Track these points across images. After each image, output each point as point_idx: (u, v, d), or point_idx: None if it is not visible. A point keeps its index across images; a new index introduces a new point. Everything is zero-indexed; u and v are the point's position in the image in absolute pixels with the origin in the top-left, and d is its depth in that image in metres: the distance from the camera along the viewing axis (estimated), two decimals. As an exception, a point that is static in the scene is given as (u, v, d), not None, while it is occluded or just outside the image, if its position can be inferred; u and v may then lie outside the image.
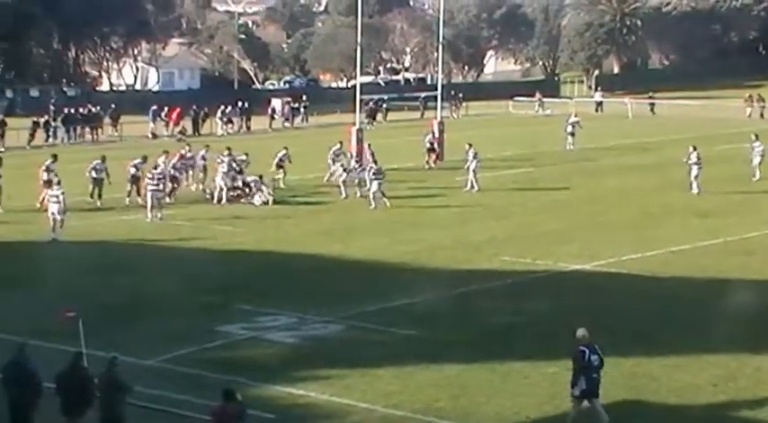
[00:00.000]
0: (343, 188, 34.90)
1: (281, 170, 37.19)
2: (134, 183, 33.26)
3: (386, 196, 33.36)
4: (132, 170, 33.41)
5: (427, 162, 42.58)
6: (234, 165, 34.81)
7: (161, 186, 31.36)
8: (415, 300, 21.94)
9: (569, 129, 49.40)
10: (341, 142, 39.58)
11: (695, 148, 36.09)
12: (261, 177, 34.14)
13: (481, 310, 21.43)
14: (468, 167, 36.77)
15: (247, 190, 33.88)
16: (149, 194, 30.90)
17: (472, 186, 36.44)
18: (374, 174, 33.56)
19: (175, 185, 34.29)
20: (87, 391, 14.03)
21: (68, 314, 15.21)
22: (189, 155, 36.06)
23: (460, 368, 17.59)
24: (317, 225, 30.54)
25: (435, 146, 43.26)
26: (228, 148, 35.85)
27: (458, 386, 16.80)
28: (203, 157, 36.41)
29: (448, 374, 17.32)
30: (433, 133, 44.00)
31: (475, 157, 36.78)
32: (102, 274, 24.18)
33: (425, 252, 26.71)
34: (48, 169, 32.63)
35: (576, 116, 51.03)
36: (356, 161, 37.80)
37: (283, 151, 37.51)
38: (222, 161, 34.44)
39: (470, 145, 37.25)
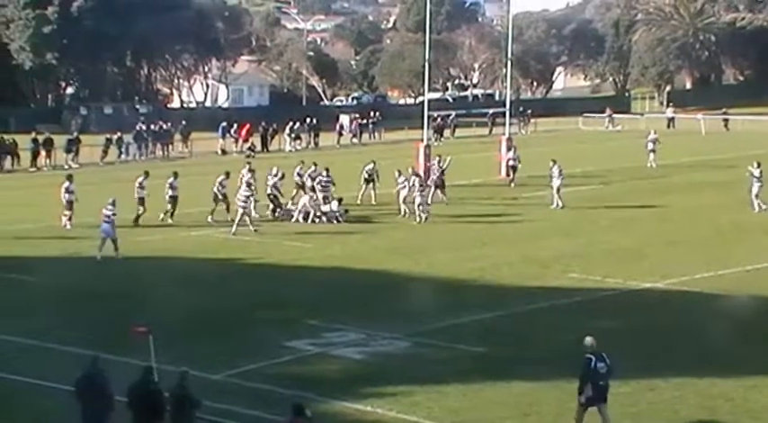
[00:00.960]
0: (402, 205, 34.53)
1: (371, 185, 36.74)
2: (222, 199, 33.16)
3: (427, 212, 33.23)
4: (217, 187, 33.22)
5: (511, 180, 41.67)
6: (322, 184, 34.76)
7: (249, 203, 31.48)
8: (482, 316, 21.77)
9: (650, 146, 48.39)
10: (439, 155, 39.46)
11: (759, 164, 35.22)
12: (340, 201, 33.72)
13: (549, 327, 21.17)
14: (552, 184, 36.11)
15: (324, 218, 33.50)
16: (239, 211, 31.06)
17: (557, 204, 35.81)
18: (418, 187, 33.51)
19: (276, 204, 34.01)
20: (158, 406, 14.11)
21: (140, 329, 15.37)
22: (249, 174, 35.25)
23: (528, 386, 17.39)
24: (385, 241, 30.51)
25: (516, 163, 41.96)
26: (315, 164, 35.52)
27: (526, 404, 16.60)
28: (298, 174, 36.12)
29: (516, 392, 17.13)
30: (514, 149, 42.78)
31: (560, 174, 36.03)
32: (170, 288, 24.42)
33: (493, 268, 26.52)
34: (141, 186, 32.58)
35: (655, 133, 49.98)
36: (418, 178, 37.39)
37: (371, 164, 37.16)
38: (316, 180, 34.32)
39: (554, 161, 36.61)
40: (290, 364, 18.68)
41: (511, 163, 42.07)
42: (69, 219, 32.11)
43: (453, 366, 18.46)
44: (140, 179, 32.83)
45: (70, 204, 32.18)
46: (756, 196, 34.81)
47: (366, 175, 37.01)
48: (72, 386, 14.71)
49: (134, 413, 14.16)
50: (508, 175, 42.61)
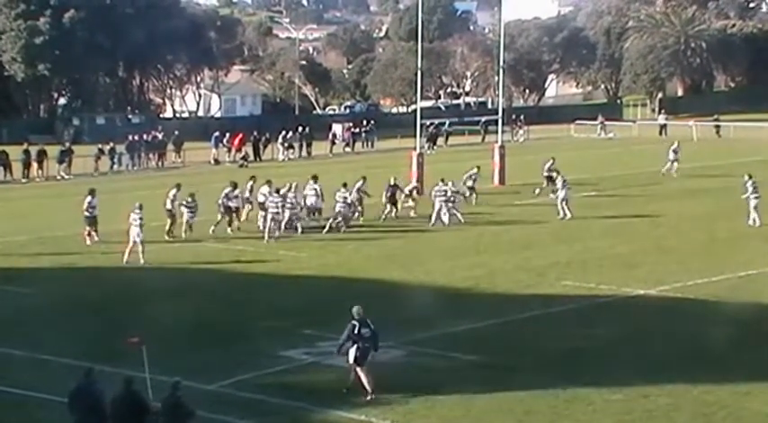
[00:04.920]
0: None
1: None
2: (227, 213, 32.74)
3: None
4: (224, 200, 32.74)
5: (541, 189, 40.44)
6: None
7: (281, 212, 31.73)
8: (477, 325, 21.77)
9: (672, 156, 47.47)
10: (478, 167, 39.24)
11: (750, 176, 34.44)
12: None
13: (544, 335, 21.17)
14: (557, 196, 35.74)
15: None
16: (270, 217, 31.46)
17: (565, 214, 35.36)
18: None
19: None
20: (141, 416, 14.05)
21: (132, 340, 15.36)
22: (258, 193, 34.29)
23: (523, 394, 17.38)
24: (379, 250, 30.50)
25: (553, 173, 39.81)
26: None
27: (521, 412, 16.59)
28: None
29: (511, 400, 17.12)
30: (553, 160, 41.18)
31: (564, 185, 35.68)
32: (165, 299, 24.37)
33: (487, 277, 26.52)
34: (174, 199, 31.88)
35: (678, 145, 49.17)
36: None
37: (360, 180, 35.91)
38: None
39: (558, 172, 36.37)
40: (284, 374, 18.64)
41: (546, 173, 40.39)
42: (89, 234, 30.92)
43: (448, 375, 18.45)
44: (173, 192, 32.16)
45: (88, 219, 30.90)
46: (755, 208, 33.68)
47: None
48: (65, 398, 14.67)
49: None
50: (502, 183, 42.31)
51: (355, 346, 17.02)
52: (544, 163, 40.43)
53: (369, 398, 16.95)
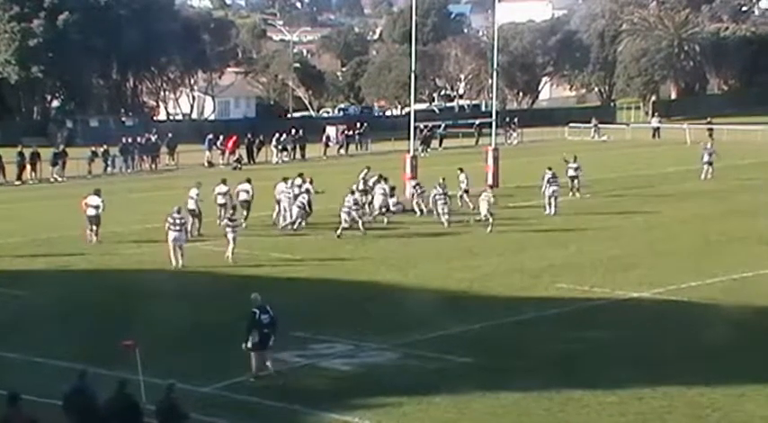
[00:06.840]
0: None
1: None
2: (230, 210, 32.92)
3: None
4: (221, 199, 32.91)
5: (576, 189, 40.88)
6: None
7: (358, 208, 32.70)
8: (471, 327, 21.78)
9: (706, 158, 47.39)
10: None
11: None
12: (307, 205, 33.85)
13: (538, 338, 21.20)
14: (543, 191, 36.77)
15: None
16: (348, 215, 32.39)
17: (548, 210, 36.39)
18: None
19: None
20: (135, 418, 14.02)
21: (126, 343, 15.33)
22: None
23: (518, 396, 17.39)
24: (374, 252, 30.49)
25: (578, 173, 40.66)
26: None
27: (515, 414, 16.60)
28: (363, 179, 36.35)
29: (505, 403, 17.13)
30: (575, 157, 41.45)
31: (551, 181, 36.58)
32: (158, 301, 24.33)
33: (482, 279, 26.54)
34: (197, 197, 31.87)
35: (711, 146, 49.10)
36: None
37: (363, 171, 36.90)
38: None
39: (550, 168, 37.07)
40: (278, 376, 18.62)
41: (571, 173, 40.73)
42: (96, 233, 31.12)
43: (442, 377, 18.46)
44: (195, 191, 32.09)
45: (91, 218, 31.06)
46: None
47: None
48: (60, 400, 14.64)
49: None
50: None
51: (256, 332, 17.70)
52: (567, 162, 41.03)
53: (251, 379, 17.76)
